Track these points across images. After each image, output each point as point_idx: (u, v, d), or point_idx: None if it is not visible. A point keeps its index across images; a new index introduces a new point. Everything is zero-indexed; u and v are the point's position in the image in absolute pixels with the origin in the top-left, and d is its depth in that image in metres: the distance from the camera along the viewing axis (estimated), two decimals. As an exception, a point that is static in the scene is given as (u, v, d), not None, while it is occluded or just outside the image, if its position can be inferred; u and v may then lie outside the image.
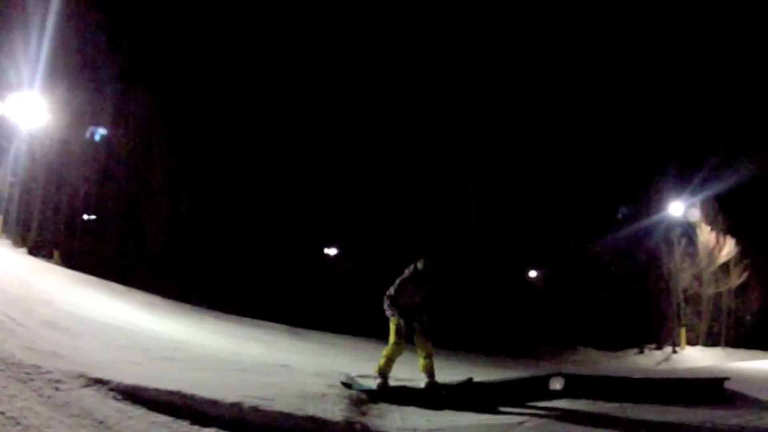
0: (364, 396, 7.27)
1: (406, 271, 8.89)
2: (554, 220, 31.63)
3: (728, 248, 32.46)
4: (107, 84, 22.68)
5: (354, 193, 28.00)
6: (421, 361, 8.62)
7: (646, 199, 30.91)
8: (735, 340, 33.27)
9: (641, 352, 27.91)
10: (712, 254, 32.43)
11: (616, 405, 8.30)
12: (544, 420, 7.30)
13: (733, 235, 32.87)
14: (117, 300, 14.33)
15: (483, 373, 12.85)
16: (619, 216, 32.35)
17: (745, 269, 33.59)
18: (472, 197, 29.33)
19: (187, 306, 16.99)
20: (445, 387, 8.54)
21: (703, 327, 33.13)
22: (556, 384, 8.72)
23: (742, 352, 30.07)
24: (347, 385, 8.43)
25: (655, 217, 31.31)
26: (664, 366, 25.84)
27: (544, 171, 30.49)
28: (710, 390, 9.77)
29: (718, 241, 32.36)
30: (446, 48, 31.29)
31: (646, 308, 31.81)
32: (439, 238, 27.65)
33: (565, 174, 30.76)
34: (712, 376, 12.32)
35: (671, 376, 15.33)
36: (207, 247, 23.99)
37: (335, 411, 6.11)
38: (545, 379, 8.84)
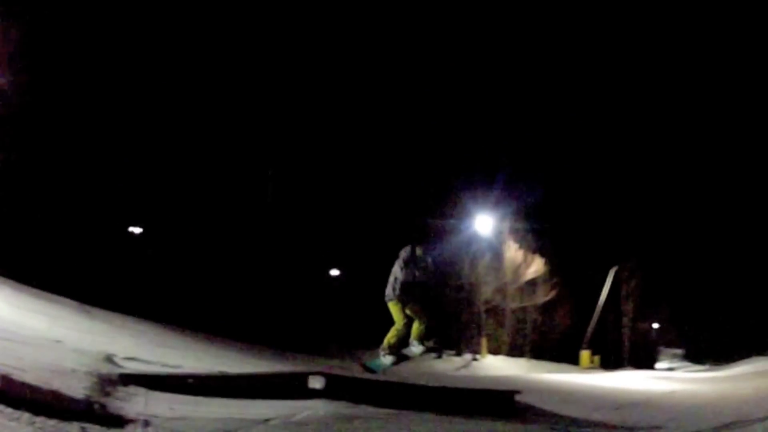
0: (115, 377, 7.16)
1: (402, 253, 10.14)
2: (361, 222, 32.27)
3: (536, 266, 34.38)
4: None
5: (163, 177, 27.57)
6: (416, 326, 9.84)
7: (454, 212, 31.81)
8: (540, 352, 35.30)
9: (439, 357, 28.69)
10: (518, 271, 34.17)
11: (384, 411, 7.99)
12: (294, 420, 6.98)
13: (542, 254, 34.82)
14: None
15: (250, 365, 12.60)
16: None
17: (553, 287, 35.71)
18: (270, 189, 29.47)
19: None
20: (436, 350, 10.20)
21: (506, 338, 34.90)
22: (316, 383, 8.42)
23: (547, 364, 31.85)
24: (367, 367, 9.81)
25: (461, 230, 32.08)
26: (463, 372, 26.69)
27: (351, 174, 31.18)
28: (499, 402, 9.84)
29: (525, 259, 34.18)
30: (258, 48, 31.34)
31: (447, 316, 32.85)
32: (243, 227, 27.79)
33: (374, 179, 31.49)
34: (504, 387, 12.39)
35: (460, 384, 15.41)
36: (12, 213, 22.77)
37: (79, 388, 6.09)
38: (304, 377, 8.57)
